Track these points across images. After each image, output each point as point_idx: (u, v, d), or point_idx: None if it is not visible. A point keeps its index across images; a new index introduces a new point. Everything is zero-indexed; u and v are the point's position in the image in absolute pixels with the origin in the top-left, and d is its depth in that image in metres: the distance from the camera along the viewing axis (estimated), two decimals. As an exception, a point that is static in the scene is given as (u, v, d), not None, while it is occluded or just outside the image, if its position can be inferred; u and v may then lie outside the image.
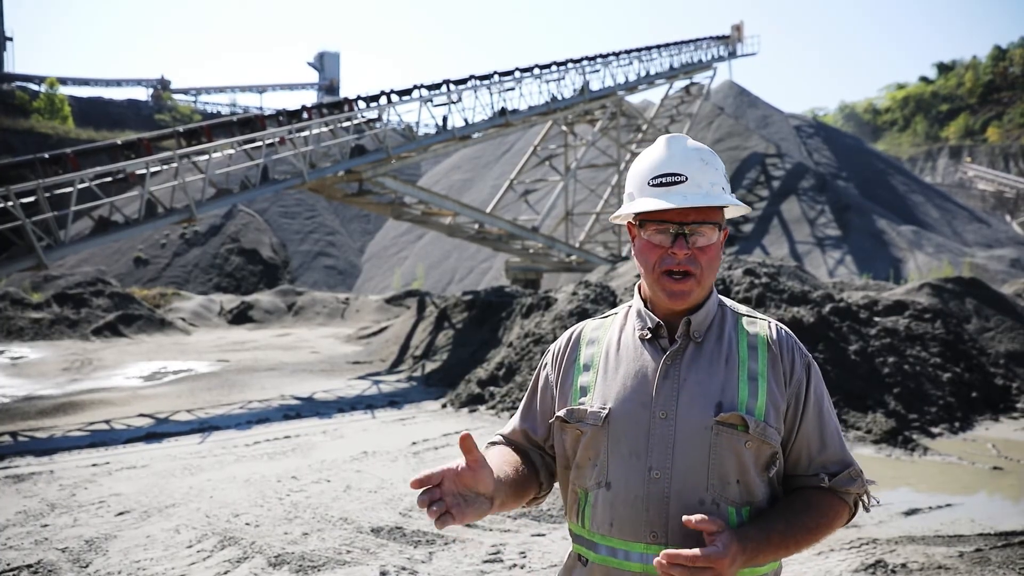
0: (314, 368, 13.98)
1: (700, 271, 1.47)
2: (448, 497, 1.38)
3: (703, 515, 1.34)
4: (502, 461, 1.58)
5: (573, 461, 1.55)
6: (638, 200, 1.50)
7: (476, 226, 20.22)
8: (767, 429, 1.44)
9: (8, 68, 59.83)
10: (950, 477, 6.44)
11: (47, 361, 14.76)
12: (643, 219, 1.50)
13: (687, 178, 1.46)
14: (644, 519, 1.43)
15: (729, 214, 1.56)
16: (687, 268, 1.46)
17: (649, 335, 1.53)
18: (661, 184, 1.47)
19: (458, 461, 1.42)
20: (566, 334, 1.68)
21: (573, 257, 22.75)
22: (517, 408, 1.75)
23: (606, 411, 1.49)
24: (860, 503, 1.54)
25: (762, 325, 1.55)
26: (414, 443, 7.67)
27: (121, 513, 5.36)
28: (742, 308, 1.61)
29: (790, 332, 1.57)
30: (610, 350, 1.57)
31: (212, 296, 27.01)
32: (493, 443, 1.70)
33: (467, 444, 1.40)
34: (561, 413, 1.56)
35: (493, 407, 9.43)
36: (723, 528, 1.34)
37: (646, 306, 1.56)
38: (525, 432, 1.67)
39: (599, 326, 1.64)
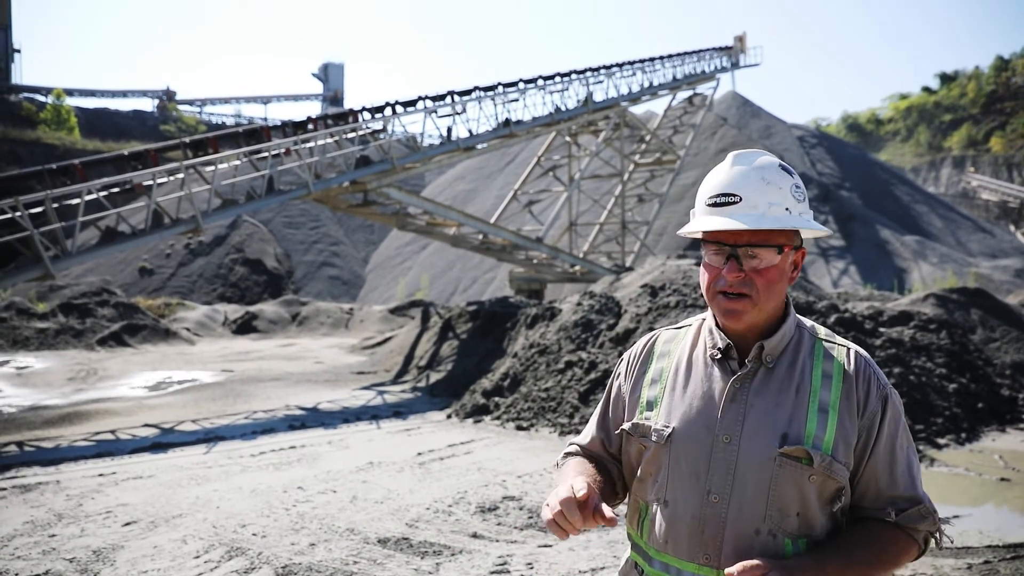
0: (319, 378, 13.99)
1: (756, 293, 1.43)
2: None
3: (744, 562, 1.32)
4: (581, 474, 1.55)
5: (637, 472, 1.56)
6: (696, 220, 1.50)
7: (480, 236, 20.26)
8: (833, 464, 1.40)
9: (15, 79, 60.27)
10: (957, 488, 6.41)
11: (52, 371, 14.80)
12: (704, 238, 1.50)
13: (741, 199, 1.43)
14: (699, 541, 1.43)
15: (806, 234, 1.51)
16: (740, 290, 1.44)
17: (719, 355, 1.51)
18: (716, 204, 1.46)
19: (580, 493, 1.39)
20: (640, 343, 1.67)
21: (577, 267, 22.78)
22: (591, 416, 1.73)
23: (669, 430, 1.48)
24: (933, 539, 1.49)
25: (840, 351, 1.50)
26: (419, 453, 7.67)
27: (128, 523, 5.37)
28: (822, 331, 1.55)
29: (870, 360, 1.51)
30: (680, 366, 1.55)
31: (216, 306, 27.05)
32: (569, 453, 1.69)
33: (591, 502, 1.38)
34: (627, 426, 1.56)
35: (498, 417, 9.42)
36: (770, 568, 1.32)
37: (718, 325, 1.53)
38: (601, 442, 1.66)
39: (672, 338, 1.62)
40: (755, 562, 1.32)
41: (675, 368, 1.55)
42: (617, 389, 1.65)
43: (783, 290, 1.47)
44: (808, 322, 1.57)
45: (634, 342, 1.74)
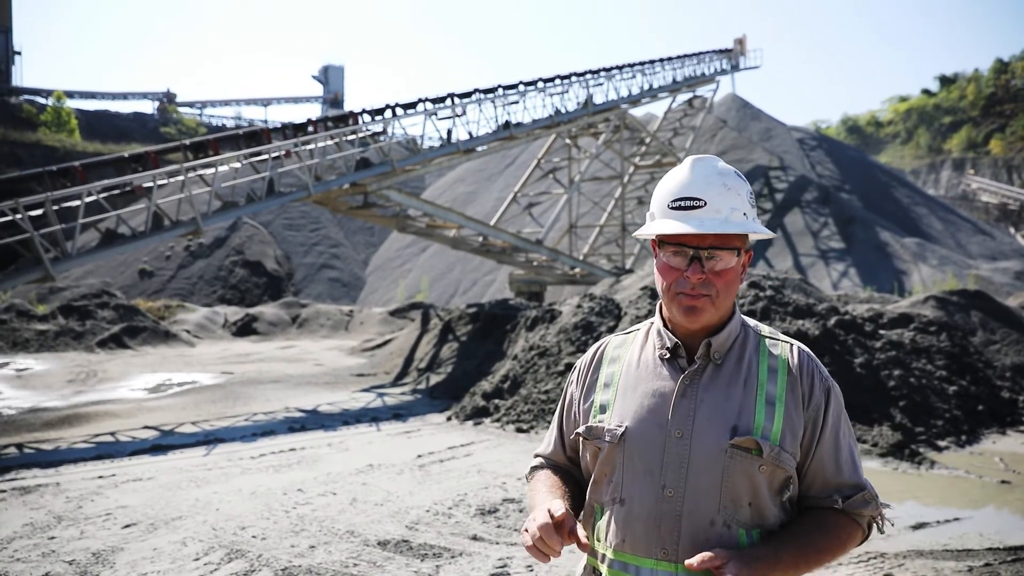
0: (318, 380, 13.98)
1: (715, 293, 1.48)
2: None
3: (704, 553, 1.36)
4: (551, 495, 1.60)
5: (592, 476, 1.59)
6: (657, 222, 1.52)
7: (480, 239, 20.27)
8: (782, 454, 1.46)
9: (16, 82, 60.32)
10: (958, 491, 6.41)
11: (52, 373, 14.79)
12: (662, 240, 1.51)
13: (706, 203, 1.47)
14: (655, 536, 1.45)
15: (752, 238, 1.57)
16: (701, 292, 1.48)
17: (668, 354, 1.55)
18: (680, 207, 1.48)
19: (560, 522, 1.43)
20: (590, 351, 1.71)
21: (577, 270, 22.78)
22: (550, 425, 1.80)
23: (622, 429, 1.52)
24: (875, 525, 1.56)
25: (784, 348, 1.56)
26: (419, 456, 7.67)
27: (128, 525, 5.37)
28: (765, 329, 1.62)
29: (812, 355, 1.57)
30: (630, 368, 1.59)
31: (216, 308, 27.05)
32: (536, 467, 1.74)
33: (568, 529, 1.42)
34: (580, 430, 1.60)
35: (498, 420, 9.42)
36: (728, 559, 1.35)
37: (666, 326, 1.58)
38: (562, 450, 1.71)
39: (621, 343, 1.67)
40: (710, 553, 1.35)
41: (626, 370, 1.59)
42: (570, 397, 1.70)
43: (736, 290, 1.53)
44: (752, 321, 1.62)
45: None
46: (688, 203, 1.48)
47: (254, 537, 5.08)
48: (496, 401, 9.99)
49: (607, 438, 1.53)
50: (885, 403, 8.36)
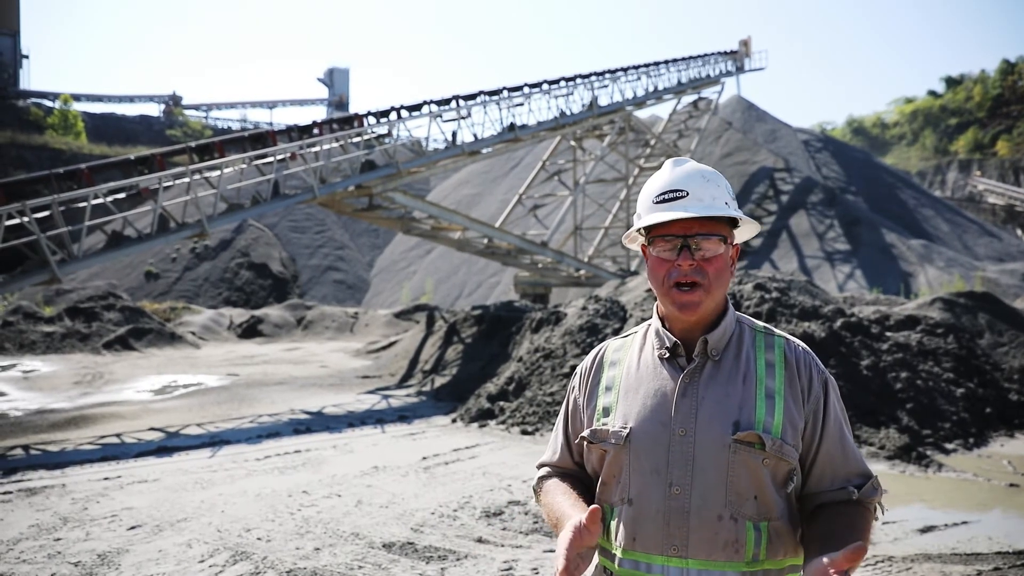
0: (323, 382, 14.00)
1: (707, 281, 1.51)
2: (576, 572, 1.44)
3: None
4: (572, 500, 1.60)
5: (600, 478, 1.61)
6: (643, 217, 1.57)
7: (485, 241, 20.27)
8: (784, 447, 1.48)
9: (24, 85, 60.59)
10: (965, 494, 6.37)
11: (58, 375, 14.84)
12: (652, 236, 1.56)
13: (688, 193, 1.53)
14: (665, 533, 1.47)
15: (741, 236, 1.61)
16: (694, 279, 1.50)
17: (667, 354, 1.57)
18: (664, 200, 1.55)
19: (583, 541, 1.43)
20: (590, 356, 1.73)
21: (582, 272, 22.76)
22: (553, 431, 1.81)
23: (627, 430, 1.54)
24: (878, 508, 1.60)
25: (779, 342, 1.59)
26: (424, 458, 7.66)
27: (133, 527, 5.37)
28: (760, 325, 1.64)
29: (808, 349, 1.60)
30: (630, 370, 1.61)
31: (222, 310, 27.11)
32: (545, 477, 1.74)
33: (596, 518, 1.41)
34: (585, 433, 1.62)
35: (503, 422, 9.41)
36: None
37: (664, 325, 1.60)
38: (568, 456, 1.73)
39: (620, 347, 1.69)
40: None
41: (626, 373, 1.62)
42: (573, 402, 1.72)
43: (728, 281, 1.56)
44: (746, 318, 1.65)
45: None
46: (672, 195, 1.54)
47: (259, 539, 5.08)
48: (501, 403, 9.98)
49: (612, 440, 1.55)
50: (892, 405, 8.32)
